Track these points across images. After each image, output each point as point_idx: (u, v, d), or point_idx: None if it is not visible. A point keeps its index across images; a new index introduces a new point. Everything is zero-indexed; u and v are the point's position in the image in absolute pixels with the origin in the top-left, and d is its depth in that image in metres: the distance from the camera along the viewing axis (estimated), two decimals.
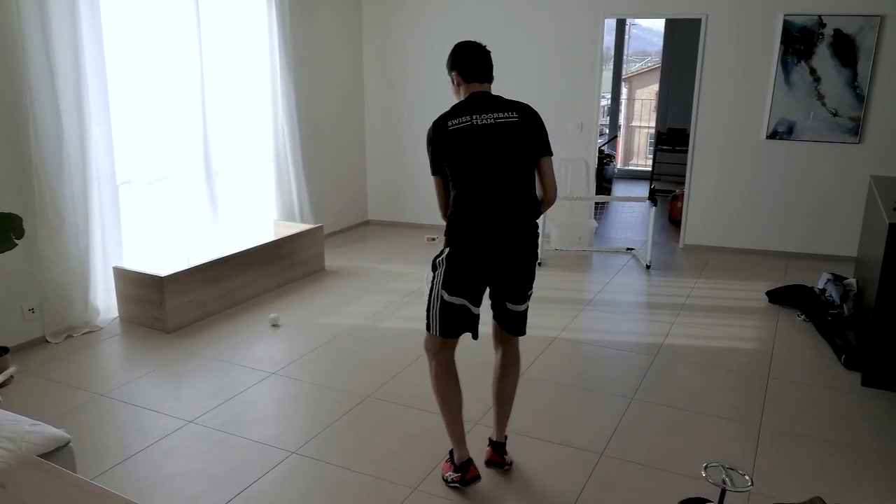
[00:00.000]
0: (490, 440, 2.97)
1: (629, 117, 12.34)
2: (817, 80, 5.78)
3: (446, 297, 2.60)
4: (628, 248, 6.47)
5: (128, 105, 4.65)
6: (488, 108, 2.57)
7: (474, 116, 2.55)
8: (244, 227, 5.72)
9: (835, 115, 5.80)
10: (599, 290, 5.31)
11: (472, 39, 2.72)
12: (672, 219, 7.59)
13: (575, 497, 2.75)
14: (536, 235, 2.66)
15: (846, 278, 4.81)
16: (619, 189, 9.87)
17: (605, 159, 8.64)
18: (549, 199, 2.69)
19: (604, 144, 9.15)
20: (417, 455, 3.01)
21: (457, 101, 2.66)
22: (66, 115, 4.09)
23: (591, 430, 3.26)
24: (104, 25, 4.29)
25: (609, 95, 10.56)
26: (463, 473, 2.72)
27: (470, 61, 2.62)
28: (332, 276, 5.63)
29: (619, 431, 3.24)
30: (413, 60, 6.95)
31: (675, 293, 5.25)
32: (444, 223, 2.67)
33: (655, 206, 6.03)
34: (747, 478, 2.18)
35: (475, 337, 2.72)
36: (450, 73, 2.68)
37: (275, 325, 4.51)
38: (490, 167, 2.53)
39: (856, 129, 5.77)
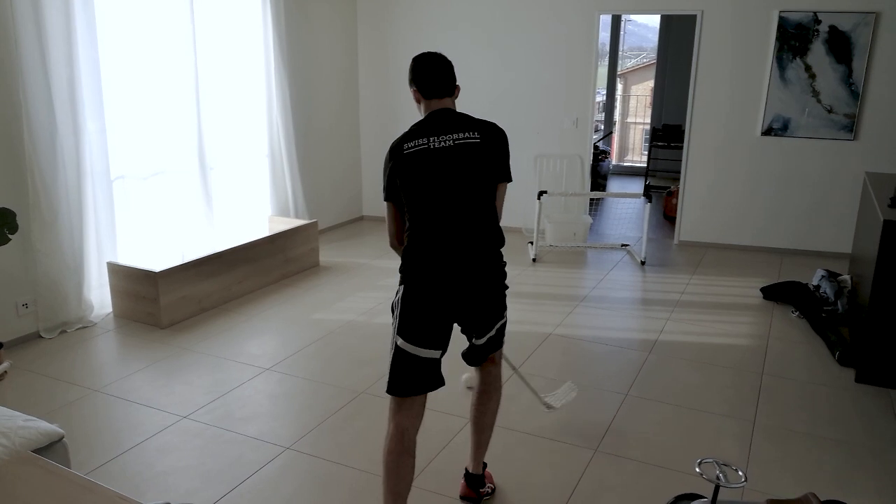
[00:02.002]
0: (466, 471, 2.71)
1: (624, 113, 12.33)
2: (812, 76, 5.79)
3: (401, 343, 2.29)
4: (623, 245, 6.48)
5: (122, 100, 4.63)
6: (448, 129, 2.30)
7: (431, 138, 2.28)
8: (238, 222, 5.71)
9: (830, 111, 5.81)
10: (594, 287, 5.31)
11: (433, 51, 2.45)
12: (667, 215, 7.60)
13: (569, 493, 2.76)
14: (502, 265, 2.41)
15: (840, 275, 4.83)
16: (614, 185, 9.88)
17: (600, 155, 8.63)
18: None
19: (599, 140, 9.14)
20: None
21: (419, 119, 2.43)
22: (60, 111, 4.07)
23: (586, 426, 3.26)
24: (98, 19, 4.27)
25: (604, 91, 10.55)
26: None
27: (427, 76, 2.35)
28: (326, 271, 5.62)
29: (613, 427, 3.25)
30: (409, 54, 6.91)
31: (669, 289, 5.26)
32: (391, 251, 2.36)
33: (650, 202, 6.03)
34: (741, 473, 2.19)
35: (440, 385, 2.37)
36: (410, 88, 2.42)
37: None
38: (448, 194, 2.27)
39: (851, 126, 5.78)
